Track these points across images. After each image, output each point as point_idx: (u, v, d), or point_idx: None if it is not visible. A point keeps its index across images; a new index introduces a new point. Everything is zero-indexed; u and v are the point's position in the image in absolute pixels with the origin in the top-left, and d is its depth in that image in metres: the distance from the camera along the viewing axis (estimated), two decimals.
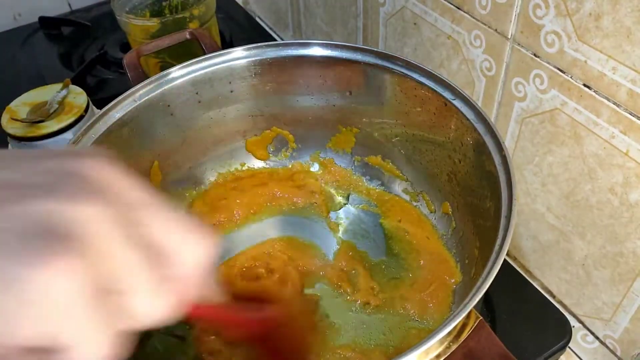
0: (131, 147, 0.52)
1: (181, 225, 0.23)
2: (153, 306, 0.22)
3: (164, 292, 0.22)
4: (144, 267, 0.21)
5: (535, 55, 0.47)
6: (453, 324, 0.30)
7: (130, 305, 0.21)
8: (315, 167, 0.64)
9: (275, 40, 0.96)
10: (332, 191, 0.63)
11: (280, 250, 0.57)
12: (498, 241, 0.35)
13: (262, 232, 0.59)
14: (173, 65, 0.53)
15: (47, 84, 0.66)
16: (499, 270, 0.34)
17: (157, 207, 0.23)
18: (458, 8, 0.54)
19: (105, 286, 0.20)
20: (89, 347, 0.19)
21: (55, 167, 0.21)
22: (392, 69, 0.52)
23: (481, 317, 0.33)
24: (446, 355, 0.32)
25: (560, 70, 0.46)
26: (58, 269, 0.18)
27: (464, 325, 0.32)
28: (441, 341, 0.32)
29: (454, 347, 0.31)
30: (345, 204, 0.62)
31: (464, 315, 0.31)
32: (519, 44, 0.49)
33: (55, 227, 0.19)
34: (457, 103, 0.48)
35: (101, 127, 0.48)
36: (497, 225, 0.37)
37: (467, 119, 0.46)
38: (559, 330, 0.51)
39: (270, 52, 0.55)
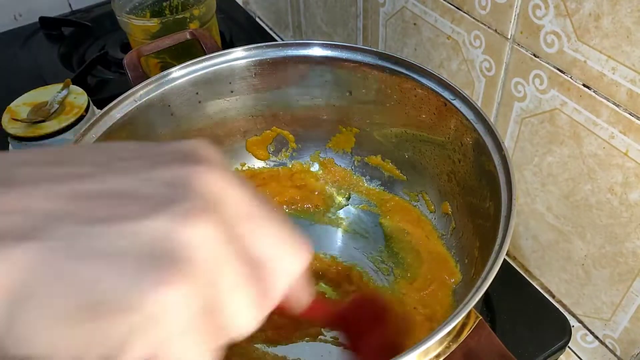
0: None
1: (281, 236, 0.23)
2: (252, 320, 0.22)
3: (259, 305, 0.22)
4: (249, 284, 0.21)
5: (534, 55, 0.47)
6: (453, 324, 0.30)
7: (229, 320, 0.21)
8: (315, 167, 0.64)
9: (275, 40, 0.96)
10: (332, 191, 0.63)
11: None
12: (498, 241, 0.35)
13: None
14: (173, 66, 0.53)
15: (47, 84, 0.66)
16: (499, 270, 0.34)
17: (262, 219, 0.22)
18: (458, 8, 0.54)
19: (211, 306, 0.20)
20: None
21: (172, 176, 0.21)
22: (392, 69, 0.52)
23: (481, 317, 0.33)
24: (446, 355, 0.32)
25: (560, 71, 0.46)
26: (173, 290, 0.18)
27: (463, 325, 0.32)
28: (441, 341, 0.32)
29: (453, 347, 0.31)
30: (345, 204, 0.62)
31: (463, 315, 0.31)
32: (518, 44, 0.49)
33: (169, 249, 0.19)
34: (457, 103, 0.48)
35: (102, 127, 0.48)
36: (496, 225, 0.37)
37: (467, 119, 0.46)
38: (558, 330, 0.51)
39: (270, 52, 0.55)
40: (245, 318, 0.21)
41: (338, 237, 0.59)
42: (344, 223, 0.60)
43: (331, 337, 0.50)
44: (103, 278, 0.18)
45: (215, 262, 0.20)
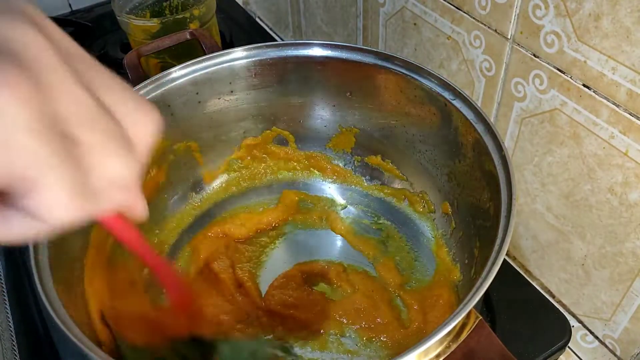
0: None
1: (129, 91, 0.21)
2: (119, 163, 0.19)
3: (123, 148, 0.19)
4: (102, 114, 0.19)
5: (534, 55, 0.47)
6: (453, 324, 0.30)
7: (93, 158, 0.19)
8: (314, 168, 0.64)
9: (275, 40, 0.96)
10: (332, 192, 0.63)
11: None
12: (498, 241, 0.35)
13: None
14: (173, 66, 0.54)
15: None
16: (499, 270, 0.34)
17: (103, 71, 0.20)
18: (458, 8, 0.54)
19: (59, 125, 0.18)
20: (55, 187, 0.17)
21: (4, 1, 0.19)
22: (392, 69, 0.52)
23: (481, 317, 0.33)
24: (446, 355, 0.32)
25: (560, 71, 0.46)
26: (9, 85, 0.16)
27: (463, 325, 0.32)
28: (441, 341, 0.32)
29: (453, 347, 0.31)
30: (345, 204, 0.62)
31: (463, 315, 0.31)
32: (518, 44, 0.49)
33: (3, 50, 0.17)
34: (457, 103, 0.48)
35: None
36: (496, 225, 0.37)
37: (467, 119, 0.46)
38: (558, 330, 0.51)
39: (270, 53, 0.55)
40: (111, 158, 0.19)
41: (338, 237, 0.59)
42: (344, 223, 0.60)
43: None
44: None
45: (57, 74, 0.18)
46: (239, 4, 1.01)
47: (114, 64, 0.84)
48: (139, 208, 0.22)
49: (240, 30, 0.93)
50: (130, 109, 0.20)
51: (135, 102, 0.21)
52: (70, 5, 1.00)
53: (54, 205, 0.17)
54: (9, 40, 0.17)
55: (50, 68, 0.18)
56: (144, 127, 0.21)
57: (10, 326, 0.54)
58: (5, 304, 0.56)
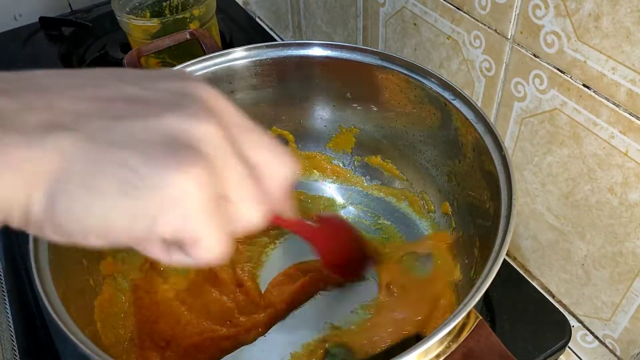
0: None
1: (271, 146, 0.27)
2: (254, 212, 0.26)
3: (262, 201, 0.26)
4: (250, 180, 0.25)
5: (534, 55, 0.47)
6: (453, 324, 0.30)
7: (237, 212, 0.25)
8: (314, 168, 0.64)
9: (275, 40, 0.96)
10: (332, 192, 0.63)
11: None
12: (498, 241, 0.35)
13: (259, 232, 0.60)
14: (173, 66, 0.53)
15: None
16: (499, 269, 0.34)
17: (253, 130, 0.26)
18: (458, 8, 0.54)
19: (221, 195, 0.24)
20: (210, 241, 0.23)
21: (176, 87, 0.24)
22: (392, 69, 0.52)
23: (481, 317, 0.33)
24: (446, 355, 0.32)
25: (560, 71, 0.46)
26: (191, 174, 0.22)
27: (463, 325, 0.32)
28: (441, 341, 0.32)
29: (453, 347, 0.31)
30: (345, 204, 0.62)
31: (463, 315, 0.31)
32: (518, 44, 0.49)
33: (185, 142, 0.22)
34: (457, 103, 0.48)
35: None
36: (496, 225, 0.37)
37: (467, 119, 0.46)
38: (558, 330, 0.51)
39: (270, 53, 0.55)
40: (249, 210, 0.25)
41: None
42: None
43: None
44: (132, 161, 0.21)
45: (222, 155, 0.23)
46: (239, 4, 1.01)
47: (115, 64, 0.84)
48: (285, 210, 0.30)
49: (240, 30, 0.93)
50: (269, 159, 0.27)
51: (274, 152, 0.27)
52: (70, 5, 1.00)
53: (208, 254, 0.24)
54: (194, 136, 0.23)
55: (222, 154, 0.23)
56: (279, 172, 0.27)
57: (10, 326, 0.54)
58: (5, 304, 0.56)
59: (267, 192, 0.27)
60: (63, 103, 0.22)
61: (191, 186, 0.22)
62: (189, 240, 0.23)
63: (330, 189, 0.63)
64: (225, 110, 0.25)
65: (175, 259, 0.25)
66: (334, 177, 0.63)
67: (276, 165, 0.27)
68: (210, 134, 0.23)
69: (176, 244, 0.24)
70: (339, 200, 0.62)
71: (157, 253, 0.25)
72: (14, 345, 0.52)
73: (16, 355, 0.51)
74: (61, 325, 0.34)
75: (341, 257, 0.50)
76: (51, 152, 0.21)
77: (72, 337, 0.34)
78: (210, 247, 0.24)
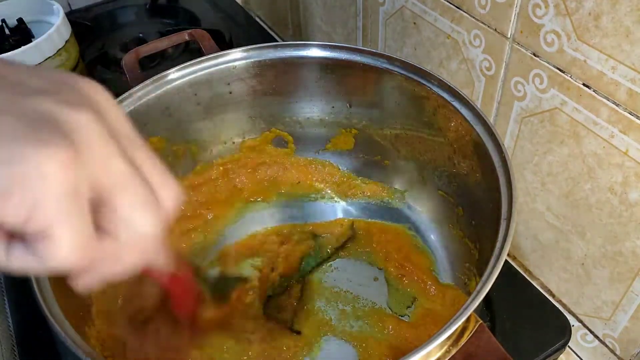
0: None
1: (159, 164, 0.25)
2: (147, 218, 0.23)
3: (152, 210, 0.23)
4: (136, 180, 0.22)
5: (534, 54, 0.47)
6: (453, 328, 0.30)
7: (121, 217, 0.22)
8: (314, 169, 0.64)
9: (275, 40, 0.95)
10: (332, 193, 0.63)
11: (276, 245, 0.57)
12: (498, 244, 0.35)
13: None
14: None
15: None
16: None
17: (141, 143, 0.24)
18: (457, 7, 0.53)
19: (94, 192, 0.21)
20: (64, 236, 0.20)
21: (58, 78, 0.23)
22: (391, 70, 0.52)
23: (481, 321, 0.33)
24: (446, 359, 0.31)
25: (560, 70, 0.46)
26: (52, 154, 0.19)
27: (463, 329, 0.32)
28: (441, 345, 0.31)
29: (453, 351, 0.31)
30: (345, 205, 0.62)
31: (463, 319, 0.30)
32: (518, 44, 0.48)
33: (56, 124, 0.20)
34: (456, 104, 0.48)
35: None
36: (497, 227, 0.37)
37: (466, 120, 0.46)
38: (558, 329, 0.51)
39: (268, 54, 0.55)
40: (140, 215, 0.22)
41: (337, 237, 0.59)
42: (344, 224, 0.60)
43: None
44: None
45: (101, 150, 0.21)
46: (238, 4, 1.01)
47: (114, 64, 0.84)
48: (160, 260, 0.26)
49: (240, 30, 0.93)
50: (159, 179, 0.24)
51: (164, 174, 0.25)
52: (70, 5, 0.99)
53: (59, 252, 0.20)
54: (65, 121, 0.21)
55: (94, 143, 0.21)
56: (168, 193, 0.24)
57: (10, 326, 0.54)
58: (5, 304, 0.56)
59: (160, 202, 0.24)
60: None
61: (51, 167, 0.19)
62: (36, 232, 0.20)
63: (330, 190, 0.63)
64: (114, 112, 0.23)
65: (16, 259, 0.21)
66: (334, 178, 0.63)
67: (166, 185, 0.24)
68: (85, 122, 0.21)
69: (21, 239, 0.21)
70: (339, 200, 0.62)
71: None
72: (14, 346, 0.52)
73: (16, 356, 0.51)
74: (55, 326, 0.34)
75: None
76: None
77: (67, 338, 0.33)
78: (63, 244, 0.20)
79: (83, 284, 0.22)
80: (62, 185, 0.19)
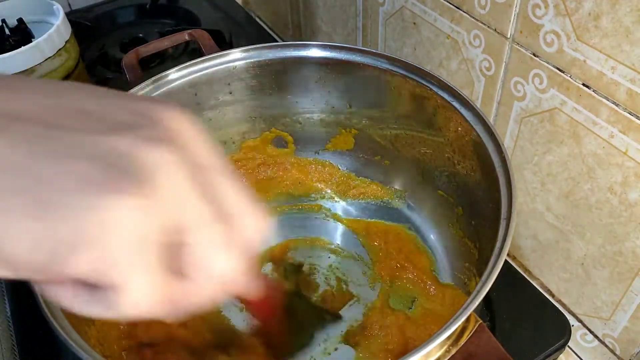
0: None
1: (244, 193, 0.23)
2: (225, 260, 0.21)
3: (231, 249, 0.21)
4: (213, 219, 0.21)
5: (534, 54, 0.47)
6: (453, 328, 0.30)
7: (198, 259, 0.21)
8: (314, 169, 0.64)
9: (275, 40, 0.95)
10: (332, 193, 0.63)
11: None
12: (497, 244, 0.35)
13: None
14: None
15: None
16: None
17: (226, 173, 0.22)
18: (457, 8, 0.54)
19: (170, 236, 0.20)
20: (136, 289, 0.19)
21: (137, 108, 0.21)
22: (391, 70, 0.52)
23: (481, 321, 0.33)
24: (446, 359, 0.32)
25: (560, 70, 0.46)
26: (127, 201, 0.18)
27: (463, 329, 0.32)
28: (441, 345, 0.32)
29: (453, 351, 0.31)
30: (345, 205, 0.62)
31: (463, 319, 0.30)
32: (518, 44, 0.48)
33: (133, 166, 0.19)
34: (456, 104, 0.48)
35: None
36: (496, 227, 0.37)
37: (466, 120, 0.46)
38: (558, 329, 0.51)
39: (268, 54, 0.55)
40: (218, 257, 0.21)
41: (338, 236, 0.59)
42: (344, 224, 0.60)
43: None
44: (58, 178, 0.18)
45: (176, 187, 0.20)
46: (239, 4, 1.01)
47: (114, 64, 0.84)
48: (247, 292, 0.24)
49: (240, 30, 0.93)
50: (243, 210, 0.22)
51: (249, 205, 0.23)
52: (70, 5, 0.99)
53: (129, 305, 0.19)
54: (143, 162, 0.19)
55: (172, 184, 0.19)
56: (253, 225, 0.23)
57: (10, 326, 0.54)
58: (5, 304, 0.56)
59: (243, 241, 0.22)
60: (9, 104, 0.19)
61: (124, 215, 0.18)
62: (107, 284, 0.19)
63: (329, 190, 0.63)
64: (197, 144, 0.22)
65: (82, 305, 0.20)
66: (334, 179, 0.63)
67: (253, 217, 0.23)
68: (164, 162, 0.19)
69: (91, 289, 0.19)
70: (339, 200, 0.62)
71: (64, 297, 0.20)
72: (14, 345, 0.52)
73: (16, 356, 0.51)
74: (56, 326, 0.34)
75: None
76: None
77: (67, 338, 0.33)
78: (132, 295, 0.19)
79: (162, 317, 0.21)
80: (135, 235, 0.18)
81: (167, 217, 0.19)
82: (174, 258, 0.20)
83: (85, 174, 0.18)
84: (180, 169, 0.20)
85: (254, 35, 0.92)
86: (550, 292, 0.58)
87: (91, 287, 0.19)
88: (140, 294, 0.19)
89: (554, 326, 0.52)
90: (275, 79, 0.57)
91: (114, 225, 0.18)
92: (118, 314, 0.19)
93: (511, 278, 0.56)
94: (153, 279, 0.19)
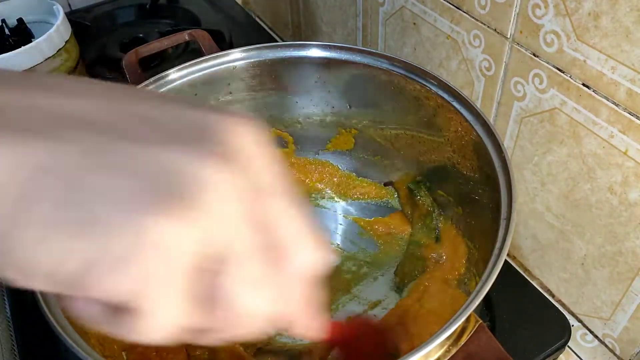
0: None
1: (305, 224, 0.21)
2: (255, 303, 0.19)
3: (270, 286, 0.19)
4: (257, 251, 0.19)
5: (534, 54, 0.47)
6: (453, 328, 0.30)
7: (226, 289, 0.19)
8: (314, 169, 0.64)
9: (275, 40, 0.95)
10: (332, 193, 0.63)
11: None
12: (497, 244, 0.35)
13: None
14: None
15: None
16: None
17: (287, 199, 0.20)
18: (457, 8, 0.54)
19: (208, 263, 0.18)
20: (159, 317, 0.18)
21: (201, 118, 0.19)
22: (391, 70, 0.52)
23: (481, 321, 0.33)
24: (446, 359, 0.32)
25: (560, 70, 0.46)
26: (168, 226, 0.17)
27: (463, 329, 0.32)
28: (441, 345, 0.32)
29: (453, 351, 0.31)
30: (345, 205, 0.62)
31: (463, 319, 0.30)
32: (518, 44, 0.48)
33: (182, 183, 0.17)
34: (456, 104, 0.48)
35: None
36: (496, 227, 0.37)
37: (466, 120, 0.46)
38: (558, 329, 0.51)
39: (268, 54, 0.55)
40: (244, 291, 0.19)
41: (338, 236, 0.59)
42: (344, 224, 0.60)
43: None
44: (109, 194, 0.17)
45: (226, 216, 0.18)
46: (238, 4, 1.01)
47: (114, 64, 0.84)
48: (309, 331, 0.23)
49: (240, 30, 0.93)
50: (298, 237, 0.20)
51: (307, 230, 0.21)
52: (69, 5, 0.99)
53: (149, 332, 0.18)
54: (193, 180, 0.17)
55: (220, 207, 0.18)
56: (304, 256, 0.21)
57: (10, 326, 0.54)
58: (5, 304, 0.56)
59: (284, 281, 0.20)
60: (48, 101, 0.18)
61: (167, 238, 0.17)
62: (133, 307, 0.18)
63: (329, 190, 0.63)
64: (260, 162, 0.19)
65: (109, 327, 0.19)
66: (334, 179, 0.63)
67: (307, 248, 0.20)
68: (216, 181, 0.18)
69: (115, 309, 0.18)
70: (339, 201, 0.62)
71: (88, 314, 0.19)
72: (14, 345, 0.52)
73: (16, 355, 0.51)
74: (56, 326, 0.34)
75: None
76: (18, 161, 0.16)
77: (67, 338, 0.33)
78: (159, 324, 0.18)
79: (197, 342, 0.20)
80: (173, 260, 0.17)
81: (209, 243, 0.18)
82: (208, 285, 0.19)
83: (135, 190, 0.17)
84: (233, 191, 0.18)
85: (254, 35, 0.92)
86: (550, 292, 0.58)
87: (114, 307, 0.18)
88: (166, 321, 0.18)
89: (554, 326, 0.52)
90: (275, 79, 0.57)
91: (151, 248, 0.17)
92: (139, 338, 0.18)
93: (511, 278, 0.56)
94: (182, 306, 0.18)
